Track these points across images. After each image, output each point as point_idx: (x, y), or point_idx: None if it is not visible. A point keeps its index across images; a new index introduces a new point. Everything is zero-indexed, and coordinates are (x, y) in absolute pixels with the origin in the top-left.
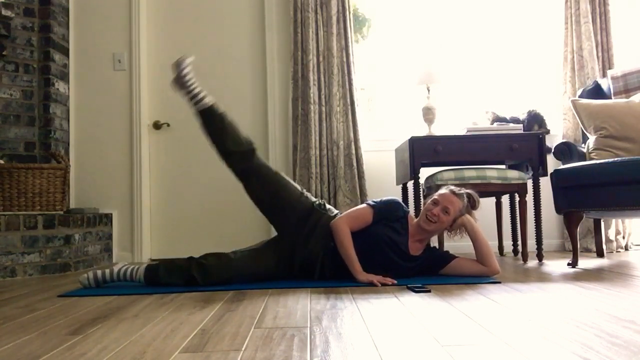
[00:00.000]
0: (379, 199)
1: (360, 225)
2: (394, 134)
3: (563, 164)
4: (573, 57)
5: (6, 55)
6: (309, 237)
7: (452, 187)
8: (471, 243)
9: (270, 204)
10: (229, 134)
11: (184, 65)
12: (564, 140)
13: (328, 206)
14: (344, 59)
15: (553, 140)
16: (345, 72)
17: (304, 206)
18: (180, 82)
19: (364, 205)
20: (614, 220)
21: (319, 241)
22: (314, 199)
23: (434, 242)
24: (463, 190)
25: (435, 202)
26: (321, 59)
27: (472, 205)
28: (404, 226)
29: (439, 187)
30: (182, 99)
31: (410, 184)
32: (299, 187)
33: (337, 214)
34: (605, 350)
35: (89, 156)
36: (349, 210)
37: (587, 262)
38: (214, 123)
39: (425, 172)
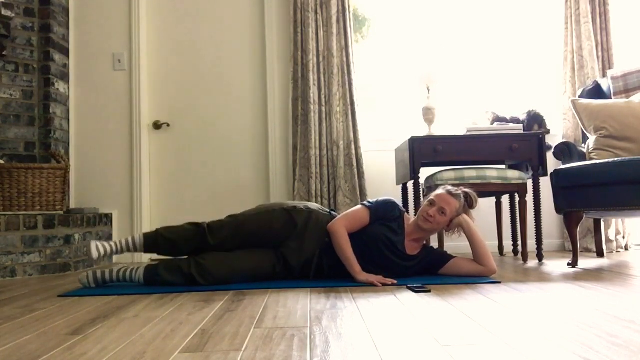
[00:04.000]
0: (374, 200)
1: (357, 227)
2: (394, 134)
3: (563, 164)
4: (573, 57)
5: (6, 55)
6: (303, 241)
7: (449, 188)
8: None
9: (254, 245)
10: (176, 241)
11: (96, 254)
12: (564, 140)
13: (305, 205)
14: (344, 59)
15: (553, 140)
16: (345, 72)
17: (282, 222)
18: (109, 257)
19: (359, 206)
20: (614, 220)
21: (313, 241)
22: (287, 205)
23: (434, 242)
24: (460, 190)
25: (431, 203)
26: (321, 59)
27: (470, 204)
28: (401, 226)
29: (438, 187)
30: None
31: (410, 184)
32: (262, 209)
33: (320, 208)
34: (605, 350)
35: (89, 156)
36: (345, 212)
37: (587, 262)
38: (160, 245)
39: (425, 172)
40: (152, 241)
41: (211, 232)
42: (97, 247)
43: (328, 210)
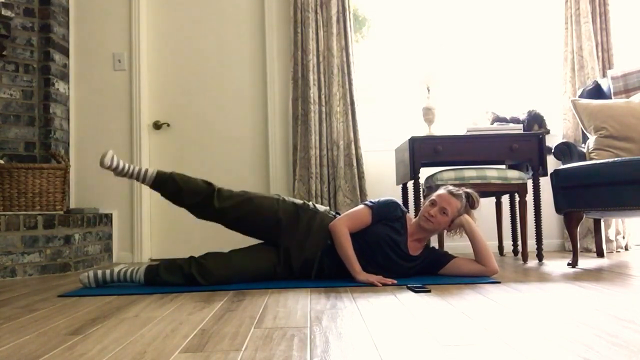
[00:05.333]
0: (376, 200)
1: (359, 226)
2: (394, 134)
3: (563, 164)
4: (573, 57)
5: (6, 55)
6: (305, 240)
7: (451, 188)
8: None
9: (254, 229)
10: (184, 189)
11: (109, 163)
12: (564, 140)
13: (314, 204)
14: (344, 59)
15: (553, 140)
16: (345, 72)
17: (287, 213)
18: (118, 174)
19: (361, 206)
20: (614, 220)
21: (315, 241)
22: (297, 201)
23: (434, 241)
24: (462, 190)
25: (433, 203)
26: (321, 59)
27: (471, 205)
28: (403, 226)
29: (439, 187)
30: (129, 180)
31: (410, 184)
32: (274, 196)
33: (326, 210)
34: (605, 350)
35: (89, 156)
36: (347, 212)
37: (587, 262)
38: (168, 187)
39: (425, 172)
40: (163, 181)
41: (220, 195)
42: (112, 158)
43: (334, 213)
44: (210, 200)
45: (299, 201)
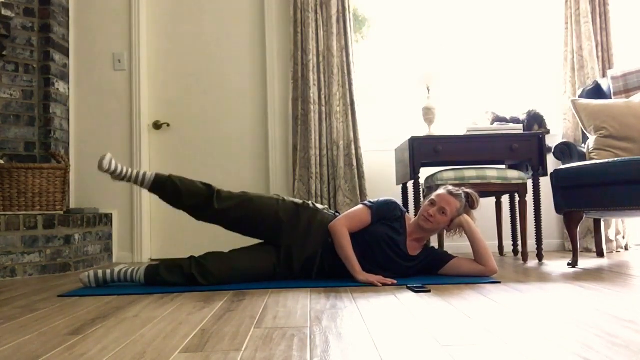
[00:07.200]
0: (375, 200)
1: (358, 226)
2: (394, 134)
3: (563, 164)
4: (573, 57)
5: (6, 55)
6: (305, 239)
7: (450, 188)
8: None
9: (254, 230)
10: (183, 192)
11: (107, 166)
12: (564, 140)
13: (314, 203)
14: (344, 59)
15: (553, 140)
16: (345, 72)
17: (288, 213)
18: (116, 177)
19: (361, 206)
20: (614, 220)
21: (315, 240)
22: (297, 201)
23: (435, 241)
24: (462, 190)
25: (432, 203)
26: (321, 58)
27: (471, 205)
28: (402, 226)
29: (439, 187)
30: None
31: (410, 184)
32: (274, 196)
33: (325, 209)
34: (605, 350)
35: (89, 156)
36: (346, 212)
37: (587, 262)
38: (167, 190)
39: (425, 172)
40: (161, 183)
41: (219, 197)
42: (110, 161)
43: (333, 212)
44: (210, 202)
45: (298, 200)
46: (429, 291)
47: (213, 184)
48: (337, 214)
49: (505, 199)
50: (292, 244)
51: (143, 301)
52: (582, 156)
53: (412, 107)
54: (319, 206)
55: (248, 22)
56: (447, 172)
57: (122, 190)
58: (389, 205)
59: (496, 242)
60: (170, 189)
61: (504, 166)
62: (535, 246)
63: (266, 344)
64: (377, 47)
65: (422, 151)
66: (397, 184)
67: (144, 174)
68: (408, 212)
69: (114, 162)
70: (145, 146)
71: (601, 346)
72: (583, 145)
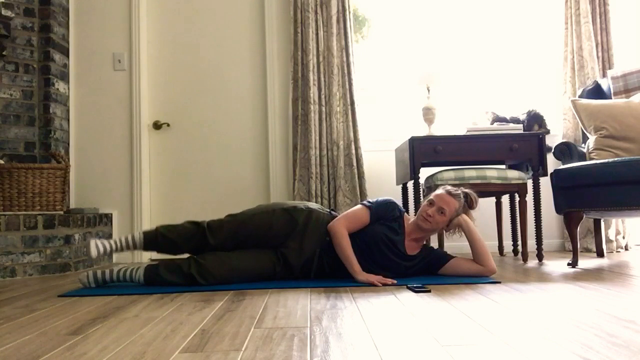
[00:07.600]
0: (374, 200)
1: (357, 226)
2: (394, 134)
3: (563, 164)
4: (573, 57)
5: (6, 55)
6: (303, 240)
7: (449, 188)
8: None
9: (256, 246)
10: (176, 240)
11: (95, 253)
12: (564, 140)
13: (305, 205)
14: (344, 59)
15: (553, 140)
16: (345, 72)
17: (282, 223)
18: (109, 255)
19: (359, 206)
20: (614, 220)
21: (313, 239)
22: (288, 206)
23: (434, 242)
24: (460, 190)
25: (431, 203)
26: (321, 59)
27: (470, 205)
28: (401, 225)
29: (438, 187)
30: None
31: (410, 184)
32: (264, 209)
33: (319, 207)
34: (605, 350)
35: (89, 156)
36: (345, 212)
37: (587, 262)
38: (160, 244)
39: (425, 172)
40: (152, 239)
41: (211, 231)
42: (96, 246)
43: (328, 210)
44: (205, 240)
45: (289, 205)
46: (429, 291)
47: (213, 183)
48: (332, 212)
49: (505, 199)
50: (291, 246)
51: (143, 301)
52: (582, 156)
53: (412, 107)
54: (312, 205)
55: (248, 22)
56: (447, 172)
57: (122, 190)
58: (387, 205)
59: (496, 242)
60: (162, 243)
61: (504, 166)
62: (535, 246)
63: (266, 344)
64: (377, 47)
65: (422, 151)
66: (397, 184)
67: (132, 238)
68: (408, 212)
69: (100, 246)
70: (145, 146)
71: (601, 346)
72: (583, 145)
